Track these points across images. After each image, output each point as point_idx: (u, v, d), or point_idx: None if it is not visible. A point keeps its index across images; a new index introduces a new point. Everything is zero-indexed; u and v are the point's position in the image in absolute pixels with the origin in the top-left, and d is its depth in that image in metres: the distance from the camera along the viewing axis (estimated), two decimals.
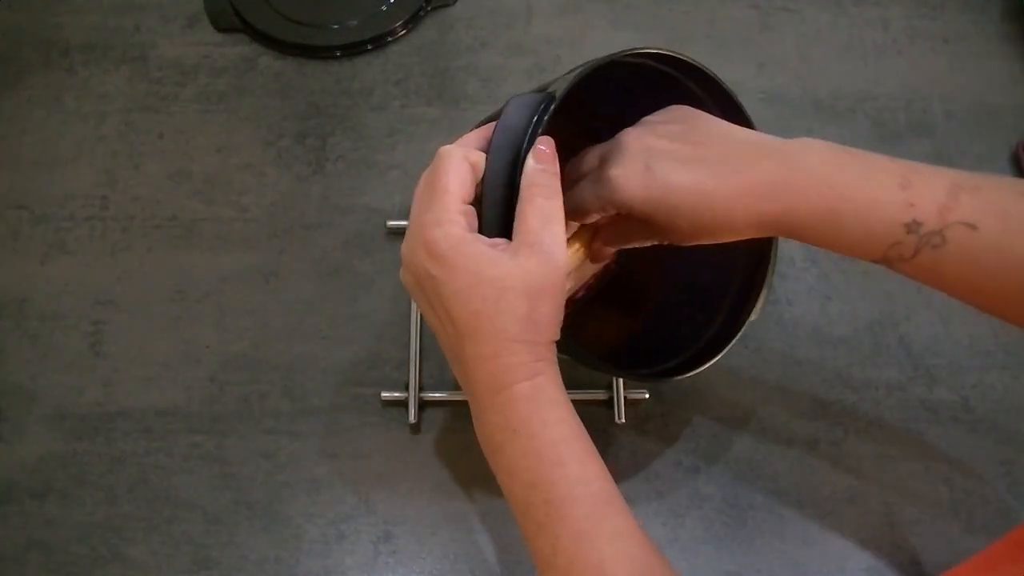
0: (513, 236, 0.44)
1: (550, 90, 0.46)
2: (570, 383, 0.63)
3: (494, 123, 0.46)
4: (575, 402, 0.63)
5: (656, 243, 0.50)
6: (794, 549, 0.60)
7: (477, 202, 0.45)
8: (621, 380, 0.63)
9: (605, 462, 0.63)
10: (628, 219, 0.48)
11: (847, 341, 0.68)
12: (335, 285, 0.69)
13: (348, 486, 0.62)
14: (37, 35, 0.80)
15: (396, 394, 0.63)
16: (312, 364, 0.66)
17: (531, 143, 0.44)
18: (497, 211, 0.45)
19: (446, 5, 0.82)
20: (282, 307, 0.68)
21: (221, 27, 0.80)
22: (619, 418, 0.62)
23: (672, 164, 0.45)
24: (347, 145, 0.75)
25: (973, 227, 0.42)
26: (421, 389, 0.63)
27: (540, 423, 0.44)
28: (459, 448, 0.63)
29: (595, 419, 0.64)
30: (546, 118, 0.45)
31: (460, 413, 0.64)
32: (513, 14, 0.82)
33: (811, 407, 0.65)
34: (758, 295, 0.56)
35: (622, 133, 0.48)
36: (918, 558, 0.60)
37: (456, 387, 0.64)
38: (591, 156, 0.50)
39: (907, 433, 0.65)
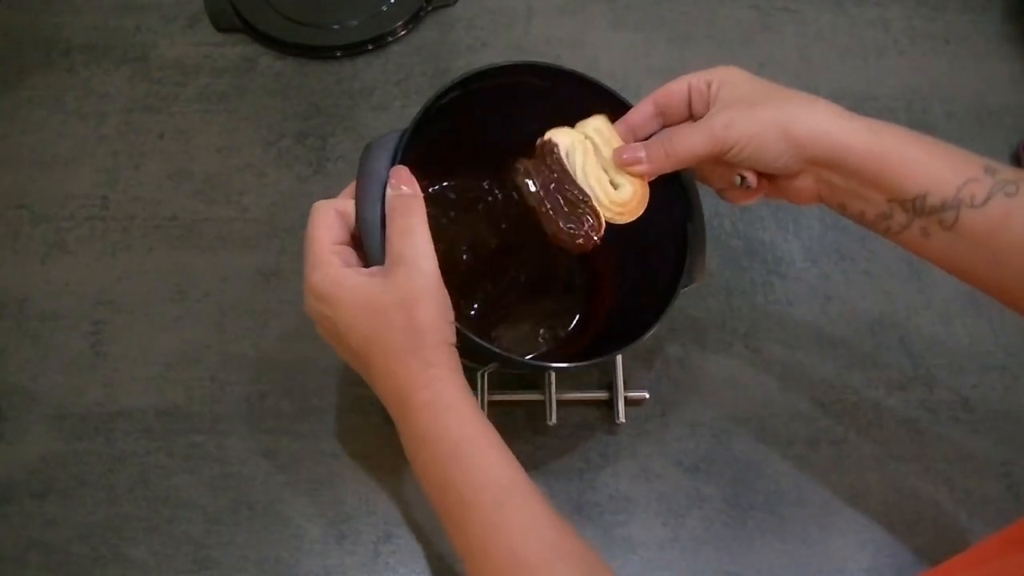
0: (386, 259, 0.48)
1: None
2: (572, 384, 0.64)
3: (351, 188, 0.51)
4: (575, 402, 0.64)
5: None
6: (794, 549, 0.60)
7: (358, 243, 0.49)
8: (621, 380, 0.63)
9: (605, 462, 0.63)
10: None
11: (847, 341, 0.68)
12: None
13: (348, 486, 0.62)
14: (37, 35, 0.80)
15: None
16: (312, 364, 0.66)
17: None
18: (374, 242, 0.48)
19: (446, 5, 0.82)
20: (282, 307, 0.68)
21: (222, 27, 0.80)
22: (619, 418, 0.62)
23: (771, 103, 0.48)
24: (347, 145, 0.75)
25: None
26: None
27: (442, 427, 0.46)
28: None
29: (595, 419, 0.64)
30: (398, 155, 0.50)
31: None
32: (513, 14, 0.82)
33: (811, 407, 0.65)
34: (687, 269, 0.55)
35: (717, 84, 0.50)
36: (918, 558, 0.60)
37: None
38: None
39: (907, 433, 0.65)
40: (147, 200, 0.72)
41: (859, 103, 0.79)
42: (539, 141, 0.53)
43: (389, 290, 0.46)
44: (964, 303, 0.70)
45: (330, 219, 0.49)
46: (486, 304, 0.64)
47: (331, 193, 0.71)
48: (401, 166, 0.49)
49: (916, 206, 0.46)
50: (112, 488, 0.61)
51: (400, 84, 0.78)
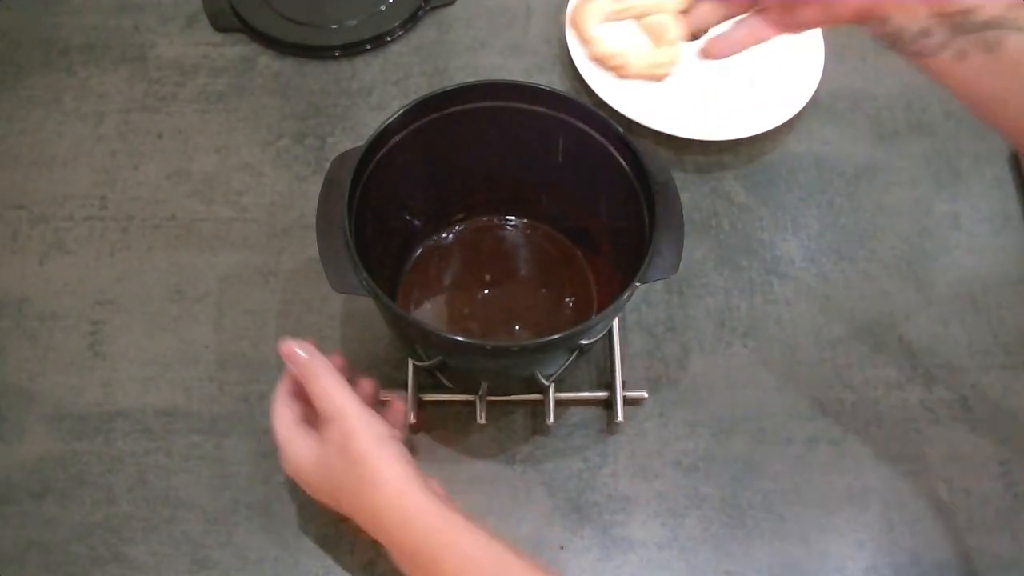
0: None
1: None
2: (571, 384, 0.64)
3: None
4: (575, 402, 0.64)
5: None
6: (794, 549, 0.60)
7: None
8: (620, 380, 0.63)
9: (604, 462, 0.63)
10: None
11: (847, 341, 0.68)
12: None
13: None
14: (36, 35, 0.80)
15: (395, 394, 0.63)
16: None
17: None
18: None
19: (445, 5, 0.82)
20: (281, 307, 0.68)
21: (220, 27, 0.80)
22: (618, 418, 0.62)
23: None
24: (346, 145, 0.74)
25: None
26: (419, 389, 0.63)
27: (413, 537, 0.49)
28: (458, 448, 0.63)
29: (595, 419, 0.64)
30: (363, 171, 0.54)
31: (459, 413, 0.64)
32: (513, 14, 0.82)
33: (811, 407, 0.65)
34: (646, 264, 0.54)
35: None
36: (918, 558, 0.60)
37: (454, 389, 0.64)
38: None
39: (907, 433, 0.65)
40: (146, 200, 0.72)
41: (858, 103, 0.79)
42: None
43: (327, 446, 0.51)
44: (963, 303, 0.70)
45: (282, 411, 0.54)
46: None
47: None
48: (284, 341, 0.53)
49: (960, 23, 0.43)
50: (111, 488, 0.61)
51: (399, 84, 0.78)
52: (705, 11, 0.53)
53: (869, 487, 0.62)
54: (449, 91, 0.57)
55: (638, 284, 0.51)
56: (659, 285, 0.69)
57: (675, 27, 0.52)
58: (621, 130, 0.55)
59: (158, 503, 0.61)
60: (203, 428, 0.63)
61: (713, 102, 0.76)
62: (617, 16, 0.53)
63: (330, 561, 0.59)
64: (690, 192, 0.73)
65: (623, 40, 0.53)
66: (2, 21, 0.80)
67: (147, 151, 0.74)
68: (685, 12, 0.53)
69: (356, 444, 0.50)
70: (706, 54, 0.53)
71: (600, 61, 0.53)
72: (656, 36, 0.53)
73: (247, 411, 0.64)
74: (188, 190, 0.72)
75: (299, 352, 0.53)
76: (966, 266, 0.72)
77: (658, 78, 0.53)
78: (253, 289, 0.68)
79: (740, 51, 0.53)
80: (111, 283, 0.68)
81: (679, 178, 0.57)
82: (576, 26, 0.54)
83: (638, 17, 0.53)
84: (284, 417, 0.54)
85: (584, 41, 0.53)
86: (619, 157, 0.57)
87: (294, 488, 0.61)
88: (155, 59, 0.79)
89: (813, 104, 0.77)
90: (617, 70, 0.53)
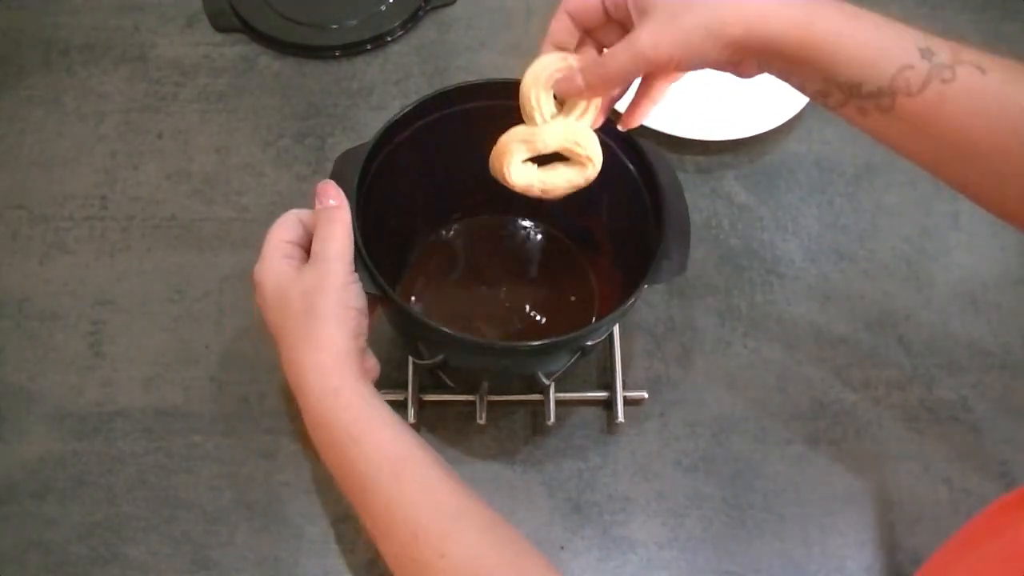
0: None
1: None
2: (571, 384, 0.64)
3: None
4: (575, 402, 0.64)
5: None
6: (794, 549, 0.60)
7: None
8: (620, 380, 0.63)
9: (604, 462, 0.63)
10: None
11: (846, 341, 0.68)
12: None
13: None
14: (37, 35, 0.80)
15: (395, 394, 0.63)
16: None
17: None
18: None
19: (445, 5, 0.82)
20: None
21: (220, 27, 0.80)
22: (618, 418, 0.62)
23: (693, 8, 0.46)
24: (346, 145, 0.73)
25: (982, 70, 0.43)
26: (420, 389, 0.63)
27: (331, 413, 0.47)
28: (458, 448, 0.63)
29: (595, 419, 0.64)
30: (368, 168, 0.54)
31: (459, 413, 0.64)
32: (512, 14, 0.82)
33: (811, 407, 0.65)
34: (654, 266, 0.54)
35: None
36: (918, 558, 0.60)
37: (455, 388, 0.64)
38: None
39: (907, 433, 0.65)
40: (146, 200, 0.72)
41: None
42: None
43: (297, 280, 0.49)
44: (963, 303, 0.70)
45: (289, 221, 0.52)
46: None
47: None
48: (327, 181, 0.52)
49: (852, 91, 0.45)
50: (111, 488, 0.61)
51: (399, 84, 0.78)
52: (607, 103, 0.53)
53: (869, 487, 0.62)
54: (453, 90, 0.57)
55: (646, 285, 0.51)
56: (660, 285, 0.69)
57: (586, 138, 0.52)
58: (626, 129, 0.55)
59: (158, 503, 0.61)
60: (203, 428, 0.63)
61: (713, 102, 0.76)
62: (534, 152, 0.52)
63: (330, 561, 0.59)
64: (690, 192, 0.72)
65: (538, 172, 0.53)
66: (2, 21, 0.80)
67: (147, 151, 0.74)
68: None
69: (322, 298, 0.48)
70: (625, 126, 0.54)
71: (526, 191, 0.52)
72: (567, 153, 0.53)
73: (247, 411, 0.64)
74: (188, 190, 0.72)
75: (331, 197, 0.51)
76: (966, 266, 0.72)
77: (588, 181, 0.53)
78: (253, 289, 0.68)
79: (649, 110, 0.53)
80: (111, 283, 0.68)
81: (679, 178, 0.57)
82: (497, 172, 0.53)
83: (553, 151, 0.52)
84: (283, 228, 0.52)
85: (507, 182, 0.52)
86: (623, 157, 0.57)
87: (294, 488, 0.61)
88: (155, 59, 0.79)
89: (813, 104, 0.76)
90: (544, 195, 0.53)
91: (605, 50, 0.51)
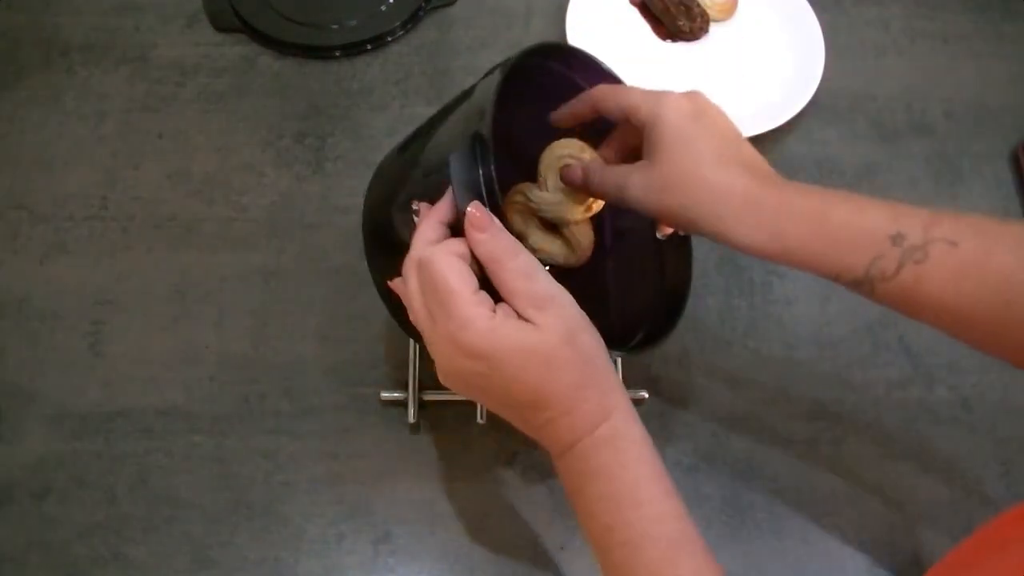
0: (513, 306, 0.44)
1: (476, 129, 0.46)
2: None
3: (448, 196, 0.46)
4: None
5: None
6: (794, 549, 0.60)
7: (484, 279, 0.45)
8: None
9: None
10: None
11: (847, 341, 0.68)
12: (335, 285, 0.69)
13: (348, 486, 0.62)
14: (37, 35, 0.80)
15: (396, 394, 0.63)
16: (312, 364, 0.66)
17: (490, 192, 0.45)
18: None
19: (445, 5, 0.82)
20: (282, 307, 0.68)
21: (221, 27, 0.80)
22: None
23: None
24: (346, 145, 0.75)
25: (954, 244, 0.44)
26: (421, 389, 0.63)
27: (619, 465, 0.45)
28: (458, 448, 0.63)
29: None
30: (492, 167, 0.45)
31: (459, 413, 0.64)
32: (513, 14, 0.82)
33: (811, 407, 0.65)
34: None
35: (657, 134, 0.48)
36: (918, 558, 0.60)
37: None
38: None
39: (907, 433, 0.65)
40: (146, 200, 0.72)
41: (858, 103, 0.79)
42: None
43: (549, 334, 0.43)
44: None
45: (456, 266, 0.43)
46: None
47: (330, 193, 0.72)
48: (474, 203, 0.44)
49: (835, 279, 0.47)
50: (111, 488, 0.61)
51: (399, 84, 0.78)
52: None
53: (869, 487, 0.62)
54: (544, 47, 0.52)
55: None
56: None
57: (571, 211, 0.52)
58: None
59: (158, 503, 0.61)
60: (203, 428, 0.63)
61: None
62: (529, 210, 0.52)
63: (330, 561, 0.59)
64: None
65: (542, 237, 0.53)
66: (2, 21, 0.80)
67: (147, 151, 0.74)
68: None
69: (586, 340, 0.44)
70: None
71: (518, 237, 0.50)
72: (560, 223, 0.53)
73: (247, 411, 0.64)
74: (188, 190, 0.72)
75: (490, 236, 0.43)
76: None
77: (569, 265, 0.53)
78: (253, 289, 0.68)
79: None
80: (111, 283, 0.68)
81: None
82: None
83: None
84: (464, 277, 0.43)
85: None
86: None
87: (294, 488, 0.61)
88: (155, 59, 0.79)
89: (813, 104, 0.77)
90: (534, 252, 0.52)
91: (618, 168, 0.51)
